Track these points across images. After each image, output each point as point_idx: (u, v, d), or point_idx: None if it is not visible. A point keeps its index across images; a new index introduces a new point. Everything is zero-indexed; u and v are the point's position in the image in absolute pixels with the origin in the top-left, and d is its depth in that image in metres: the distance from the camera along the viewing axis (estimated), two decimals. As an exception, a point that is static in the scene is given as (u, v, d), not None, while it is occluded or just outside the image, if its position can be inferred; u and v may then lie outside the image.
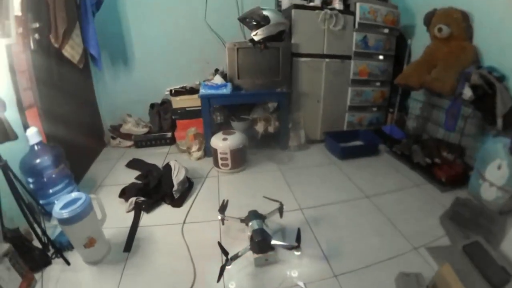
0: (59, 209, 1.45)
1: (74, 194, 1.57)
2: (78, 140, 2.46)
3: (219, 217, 1.76)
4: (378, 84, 3.04)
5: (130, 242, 1.75)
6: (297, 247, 1.51)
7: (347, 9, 2.80)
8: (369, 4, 2.76)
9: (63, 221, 1.45)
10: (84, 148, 2.64)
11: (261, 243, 1.50)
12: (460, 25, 2.25)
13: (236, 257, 1.47)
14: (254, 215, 1.68)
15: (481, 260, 1.24)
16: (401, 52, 3.00)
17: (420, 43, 2.74)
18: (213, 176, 2.52)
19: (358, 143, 3.01)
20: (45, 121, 2.07)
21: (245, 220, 1.70)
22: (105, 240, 1.69)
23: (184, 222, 1.92)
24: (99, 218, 1.68)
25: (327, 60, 2.82)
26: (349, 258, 1.60)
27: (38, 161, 1.80)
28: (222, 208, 1.76)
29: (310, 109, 2.97)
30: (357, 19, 2.76)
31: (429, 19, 2.45)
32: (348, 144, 2.93)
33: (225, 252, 1.45)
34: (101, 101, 3.14)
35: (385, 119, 3.25)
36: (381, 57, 2.95)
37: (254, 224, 1.60)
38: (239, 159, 2.53)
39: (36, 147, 1.81)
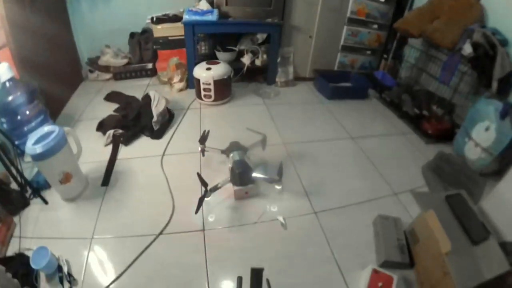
0: (31, 145, 1.36)
1: (47, 128, 1.47)
2: (53, 76, 2.33)
3: (199, 148, 1.68)
4: (375, 26, 2.87)
5: (108, 176, 1.70)
6: (278, 181, 1.47)
7: None
8: None
9: (36, 157, 1.37)
10: (60, 83, 2.48)
11: (241, 175, 1.45)
12: None
13: (215, 188, 1.43)
14: (235, 146, 1.61)
15: (462, 212, 1.23)
16: None
17: None
18: (195, 108, 2.42)
19: (348, 85, 2.91)
20: (17, 59, 1.92)
21: (226, 151, 1.63)
22: (82, 175, 1.64)
23: (163, 154, 1.85)
24: (74, 152, 1.61)
25: (324, -8, 2.60)
26: (330, 197, 1.60)
27: (10, 98, 1.66)
28: (203, 139, 1.68)
29: (301, 45, 2.82)
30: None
31: None
32: (337, 84, 2.81)
33: (204, 183, 1.40)
34: (77, 33, 2.90)
35: (378, 64, 3.12)
36: (382, -1, 2.75)
37: (235, 155, 1.53)
38: (223, 91, 2.41)
39: (8, 84, 1.66)
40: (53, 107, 2.09)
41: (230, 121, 2.24)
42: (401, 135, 2.23)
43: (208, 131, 1.71)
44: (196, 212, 1.36)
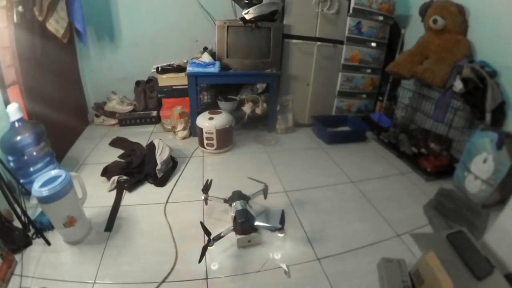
0: (38, 187, 1.40)
1: (54, 172, 1.51)
2: (60, 118, 2.38)
3: (202, 197, 1.73)
4: (369, 71, 3.01)
5: (111, 222, 1.71)
6: (280, 229, 1.50)
7: (343, -7, 2.74)
8: (365, -10, 2.71)
9: (42, 200, 1.40)
10: (66, 126, 2.56)
11: (244, 224, 1.48)
12: (456, 18, 2.24)
13: (218, 237, 1.45)
14: (238, 195, 1.66)
15: (465, 250, 1.25)
16: (394, 41, 2.99)
17: (413, 33, 2.73)
18: (198, 156, 2.48)
19: (345, 129, 3.01)
20: (27, 98, 1.98)
21: (228, 201, 1.67)
22: (86, 219, 1.65)
23: (167, 202, 1.89)
24: (79, 196, 1.64)
25: (319, 43, 2.77)
26: (333, 242, 1.61)
27: (18, 138, 1.72)
28: (206, 188, 1.73)
29: (299, 93, 2.94)
30: (352, 4, 2.70)
31: (425, 10, 2.44)
32: (335, 129, 2.92)
33: (207, 232, 1.43)
34: (85, 78, 3.04)
35: (374, 107, 3.24)
36: (373, 44, 2.92)
37: (237, 205, 1.58)
38: (225, 140, 2.49)
39: (17, 124, 1.73)
40: (58, 149, 2.12)
41: (232, 169, 2.30)
42: (400, 175, 2.27)
43: (211, 180, 1.77)
44: (200, 261, 1.38)
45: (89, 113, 3.10)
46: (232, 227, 1.51)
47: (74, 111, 2.82)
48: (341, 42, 2.83)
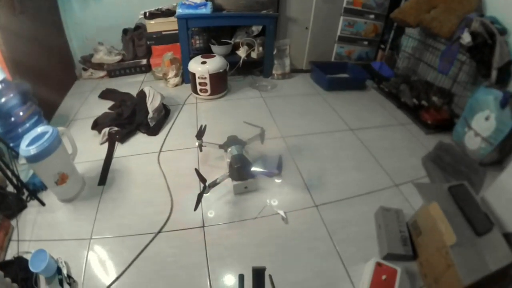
0: (25, 146, 1.33)
1: (41, 129, 1.44)
2: (46, 76, 2.30)
3: (197, 144, 1.65)
4: (372, 16, 2.83)
5: (104, 175, 1.68)
6: (278, 175, 1.45)
7: None
8: None
9: (30, 159, 1.34)
10: (53, 83, 2.45)
11: (240, 170, 1.43)
12: None
13: (214, 184, 1.41)
14: (233, 140, 1.59)
15: (466, 204, 1.21)
16: None
17: None
18: (191, 103, 2.38)
19: (345, 75, 2.88)
20: (9, 59, 1.86)
21: (223, 146, 1.60)
22: (78, 175, 1.61)
23: (160, 151, 1.83)
24: (69, 152, 1.58)
25: (319, -17, 2.56)
26: (330, 189, 1.58)
27: (3, 100, 1.63)
28: (200, 134, 1.65)
29: (297, 36, 2.78)
30: None
31: None
32: (335, 75, 2.80)
33: (202, 179, 1.37)
34: (69, 32, 2.85)
35: (376, 55, 3.09)
36: (379, -12, 2.71)
37: (233, 150, 1.51)
38: (219, 85, 2.38)
39: (0, 86, 1.62)
40: (47, 108, 2.06)
41: (227, 115, 2.21)
42: (400, 125, 2.20)
43: (205, 126, 1.68)
44: (195, 209, 1.34)
45: (77, 68, 2.94)
46: (228, 173, 1.45)
47: (60, 67, 2.68)
48: (344, -17, 2.62)
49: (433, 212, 1.19)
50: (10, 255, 1.26)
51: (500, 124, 1.67)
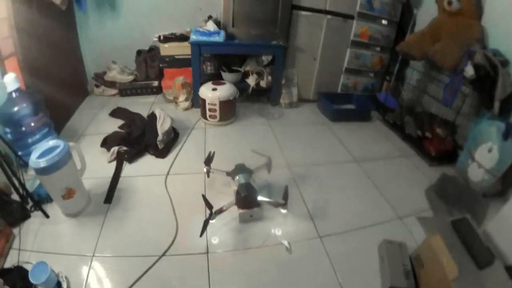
0: (35, 158, 1.35)
1: (52, 142, 1.46)
2: (59, 89, 2.29)
3: (204, 169, 1.68)
4: (378, 49, 2.91)
5: (111, 193, 1.68)
6: (284, 205, 1.46)
7: (356, -34, 2.60)
8: (379, -35, 2.58)
9: (40, 171, 1.35)
10: (65, 96, 2.47)
11: (247, 198, 1.44)
12: (471, 2, 2.13)
13: (220, 211, 1.42)
14: (241, 168, 1.61)
15: (468, 237, 1.24)
16: (405, 20, 2.86)
17: (426, 14, 2.61)
18: (200, 127, 2.42)
19: (351, 106, 2.93)
20: (24, 69, 1.91)
21: (231, 174, 1.63)
22: (85, 191, 1.61)
23: (167, 174, 1.85)
24: (78, 167, 1.59)
25: (328, 16, 2.64)
26: (334, 220, 1.58)
27: (15, 109, 1.66)
28: (208, 160, 1.68)
29: (305, 67, 2.85)
30: (365, -22, 2.58)
31: None
32: (341, 106, 2.84)
33: (209, 205, 1.39)
34: (84, 48, 2.92)
35: (381, 86, 3.15)
36: (384, 21, 2.80)
37: (240, 178, 1.53)
38: (228, 111, 2.43)
39: (14, 94, 1.66)
40: (57, 120, 2.08)
41: (234, 141, 2.25)
42: (404, 157, 2.22)
43: (214, 153, 1.72)
44: (201, 235, 1.35)
45: (89, 83, 3.00)
46: (234, 201, 1.47)
47: (73, 81, 2.73)
48: (352, 17, 2.71)
49: (435, 245, 1.21)
50: (9, 263, 1.26)
51: (503, 156, 1.68)
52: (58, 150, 1.39)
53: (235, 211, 1.51)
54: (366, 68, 2.97)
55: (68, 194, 1.46)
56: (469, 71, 1.96)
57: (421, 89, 2.65)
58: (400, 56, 2.73)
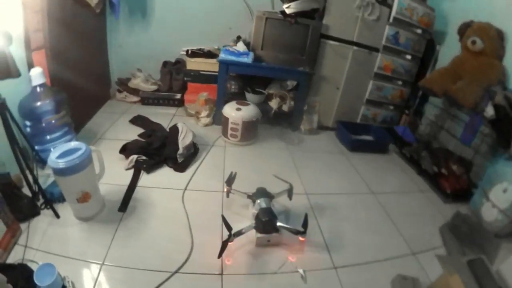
0: (55, 158, 1.33)
1: (74, 144, 1.46)
2: (83, 88, 2.35)
3: (225, 189, 1.66)
4: (400, 83, 2.92)
5: (126, 202, 1.66)
6: (303, 233, 1.44)
7: (385, 1, 2.64)
8: (407, 1, 2.61)
9: (58, 171, 1.34)
10: (88, 97, 2.52)
11: (267, 223, 1.42)
12: (494, 42, 2.15)
13: (239, 233, 1.40)
14: (262, 192, 1.60)
15: (483, 278, 1.23)
16: (428, 56, 2.89)
17: (448, 51, 2.62)
18: (220, 145, 2.42)
19: (369, 138, 2.92)
20: (52, 64, 1.94)
21: (252, 197, 1.61)
22: (100, 196, 1.59)
23: (185, 189, 1.84)
24: (96, 172, 1.57)
25: (355, 48, 2.68)
26: (350, 252, 1.55)
27: (38, 104, 1.67)
28: (230, 180, 1.67)
29: (328, 95, 2.86)
30: (393, 13, 2.61)
31: (464, 29, 2.33)
32: (359, 137, 2.83)
33: (228, 226, 1.37)
34: (111, 52, 3.00)
35: (399, 119, 3.15)
36: (408, 56, 2.82)
37: (262, 203, 1.51)
38: (250, 132, 2.43)
39: (38, 89, 1.68)
40: (77, 120, 2.08)
41: (253, 163, 2.24)
42: (419, 192, 2.20)
43: (235, 173, 1.71)
44: (219, 256, 1.33)
45: (112, 88, 3.05)
46: (254, 225, 1.45)
47: (97, 83, 2.77)
48: (377, 50, 2.74)
49: (453, 283, 1.20)
50: (12, 259, 1.24)
51: (518, 197, 1.64)
52: (79, 152, 1.38)
53: (252, 234, 1.48)
54: (386, 100, 2.97)
55: (84, 198, 1.44)
56: (490, 111, 1.96)
57: (439, 125, 2.64)
58: (420, 91, 2.74)
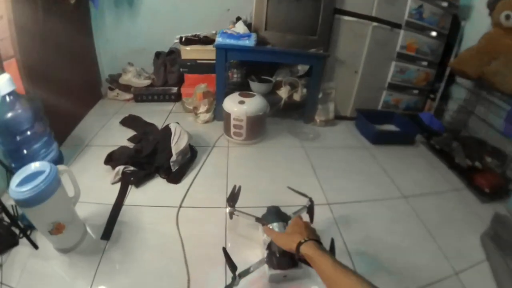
0: (15, 186, 1.04)
1: (35, 166, 1.13)
2: (68, 91, 2.09)
3: (227, 210, 1.29)
4: (425, 63, 2.50)
5: (110, 227, 1.33)
6: None
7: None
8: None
9: (21, 203, 1.05)
10: (75, 99, 2.21)
11: (282, 259, 1.05)
12: None
13: (246, 273, 1.03)
14: (275, 213, 1.20)
15: None
16: (452, 34, 2.48)
17: (475, 27, 2.26)
18: (222, 146, 2.04)
19: (391, 127, 2.52)
20: (24, 72, 1.64)
21: (261, 220, 1.22)
22: (79, 223, 1.30)
23: (180, 206, 1.47)
24: (70, 195, 1.25)
25: (374, 24, 2.24)
26: (384, 279, 1.20)
27: (9, 115, 1.38)
28: (232, 198, 1.28)
29: (345, 80, 2.44)
30: (416, -17, 2.19)
31: (495, 2, 1.96)
32: (382, 127, 2.45)
33: (232, 265, 1.01)
34: (99, 48, 2.64)
35: (423, 105, 2.74)
36: (434, 33, 2.41)
37: (275, 228, 1.14)
38: (256, 129, 2.03)
39: (8, 98, 1.39)
40: (63, 126, 1.91)
41: (263, 167, 1.85)
42: (454, 191, 1.81)
43: (239, 188, 1.32)
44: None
45: (103, 86, 2.71)
46: (265, 259, 1.08)
47: (84, 83, 2.44)
48: (399, 26, 2.31)
49: None
50: None
51: None
52: (43, 176, 1.06)
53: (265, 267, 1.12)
54: (410, 84, 2.55)
55: (57, 229, 1.14)
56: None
57: (468, 109, 2.27)
58: (446, 73, 2.39)
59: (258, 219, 1.22)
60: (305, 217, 1.30)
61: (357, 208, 1.57)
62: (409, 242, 1.40)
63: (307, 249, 0.79)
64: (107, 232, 1.31)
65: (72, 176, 1.26)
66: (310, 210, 1.29)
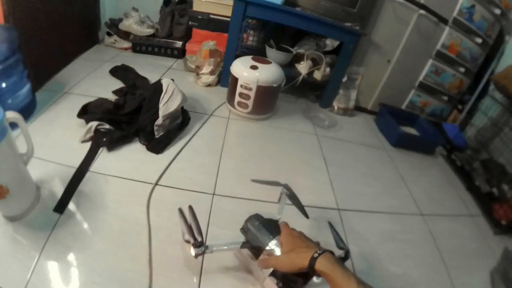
0: None
1: None
2: (60, 31, 1.82)
3: (193, 252, 0.81)
4: (462, 70, 2.18)
5: (66, 199, 1.02)
6: None
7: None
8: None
9: None
10: (67, 41, 1.93)
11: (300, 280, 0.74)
12: None
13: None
14: (264, 226, 0.85)
15: None
16: (494, 45, 2.20)
17: None
18: (222, 116, 1.70)
19: (412, 131, 2.20)
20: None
21: (250, 245, 0.85)
22: (30, 187, 0.99)
23: (156, 183, 1.14)
24: (22, 151, 0.94)
25: (421, 11, 1.90)
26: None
27: None
28: (192, 230, 0.84)
29: (375, 68, 2.10)
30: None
31: None
32: (405, 128, 2.13)
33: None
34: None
35: (448, 115, 2.44)
36: (479, 40, 2.09)
37: (275, 251, 0.79)
38: (266, 103, 1.70)
39: None
40: (47, 67, 1.68)
41: (266, 150, 1.52)
42: (470, 217, 1.57)
43: (192, 210, 0.91)
44: None
45: (101, 30, 2.37)
46: None
47: (81, 23, 2.10)
48: (445, 21, 1.97)
49: None
50: None
51: None
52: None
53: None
54: (442, 89, 2.22)
55: None
56: None
57: (496, 129, 2.01)
58: (480, 85, 2.16)
59: (244, 245, 0.84)
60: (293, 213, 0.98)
61: (370, 220, 1.28)
62: (420, 272, 1.15)
63: (324, 266, 0.66)
64: (62, 204, 1.00)
65: (25, 128, 0.92)
66: (293, 198, 0.96)
